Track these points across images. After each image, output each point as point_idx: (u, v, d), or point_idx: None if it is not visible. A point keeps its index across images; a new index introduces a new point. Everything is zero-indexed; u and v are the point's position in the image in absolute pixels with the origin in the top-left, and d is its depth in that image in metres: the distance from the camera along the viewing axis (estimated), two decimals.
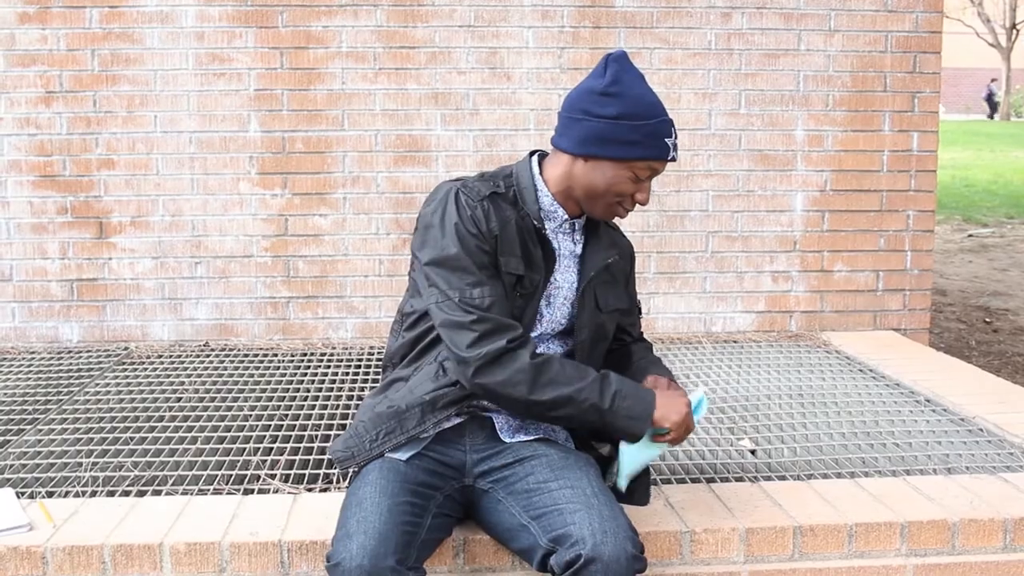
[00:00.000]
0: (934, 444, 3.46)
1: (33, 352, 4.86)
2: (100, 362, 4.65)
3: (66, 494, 3.02)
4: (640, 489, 2.62)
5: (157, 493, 3.03)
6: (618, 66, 2.43)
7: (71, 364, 4.62)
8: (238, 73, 4.91)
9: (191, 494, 2.97)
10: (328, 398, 4.07)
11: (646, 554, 2.54)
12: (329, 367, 4.55)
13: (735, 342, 5.03)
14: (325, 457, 3.33)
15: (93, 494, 3.03)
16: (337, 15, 4.92)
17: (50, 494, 3.01)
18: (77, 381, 4.32)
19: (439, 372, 2.42)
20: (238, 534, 2.57)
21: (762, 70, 5.08)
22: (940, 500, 2.79)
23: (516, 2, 4.96)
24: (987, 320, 7.29)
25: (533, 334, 2.51)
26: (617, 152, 2.35)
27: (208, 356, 4.76)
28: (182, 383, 4.28)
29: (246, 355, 4.78)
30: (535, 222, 2.46)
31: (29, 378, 4.38)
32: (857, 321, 5.23)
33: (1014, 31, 39.18)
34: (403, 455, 2.40)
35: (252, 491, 3.03)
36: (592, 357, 2.58)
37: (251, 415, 3.84)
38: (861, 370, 4.46)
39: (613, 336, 2.69)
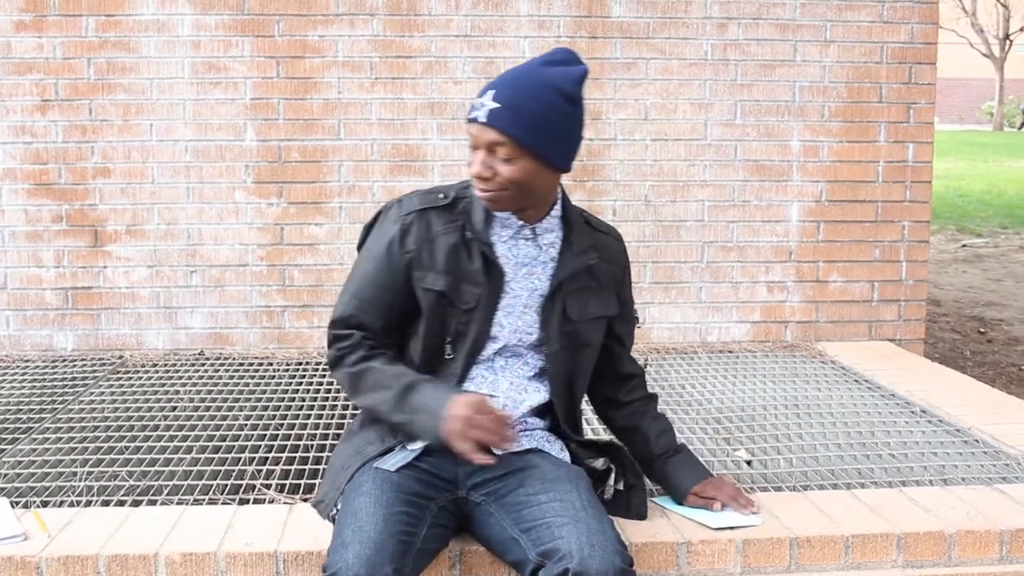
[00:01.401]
0: (930, 455, 3.46)
1: (27, 360, 4.85)
2: (95, 371, 4.64)
3: (61, 503, 3.01)
4: (637, 501, 2.62)
5: (152, 503, 3.02)
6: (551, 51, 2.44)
7: (66, 372, 4.61)
8: (234, 82, 4.91)
9: (186, 504, 2.96)
10: (323, 407, 4.06)
11: (644, 566, 2.56)
12: (324, 376, 4.54)
13: (730, 352, 5.04)
14: (321, 467, 3.32)
15: (88, 503, 3.02)
16: (334, 25, 4.92)
17: (45, 503, 2.99)
18: (72, 390, 4.31)
19: None
20: (234, 544, 2.56)
21: (758, 81, 5.09)
22: (936, 511, 2.79)
23: (512, 12, 4.97)
24: (981, 330, 7.30)
25: (495, 346, 2.48)
26: None
27: (203, 365, 4.75)
28: (177, 392, 4.27)
29: (241, 364, 4.77)
30: (469, 233, 2.44)
31: (23, 386, 4.37)
32: (852, 331, 5.23)
33: (1007, 41, 39.32)
34: (392, 466, 2.39)
35: (247, 501, 3.02)
36: (572, 367, 2.56)
37: (246, 424, 3.83)
38: (856, 380, 4.46)
39: (606, 347, 2.68)
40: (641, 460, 2.74)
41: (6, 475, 3.26)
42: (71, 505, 2.99)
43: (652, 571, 2.59)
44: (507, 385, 2.52)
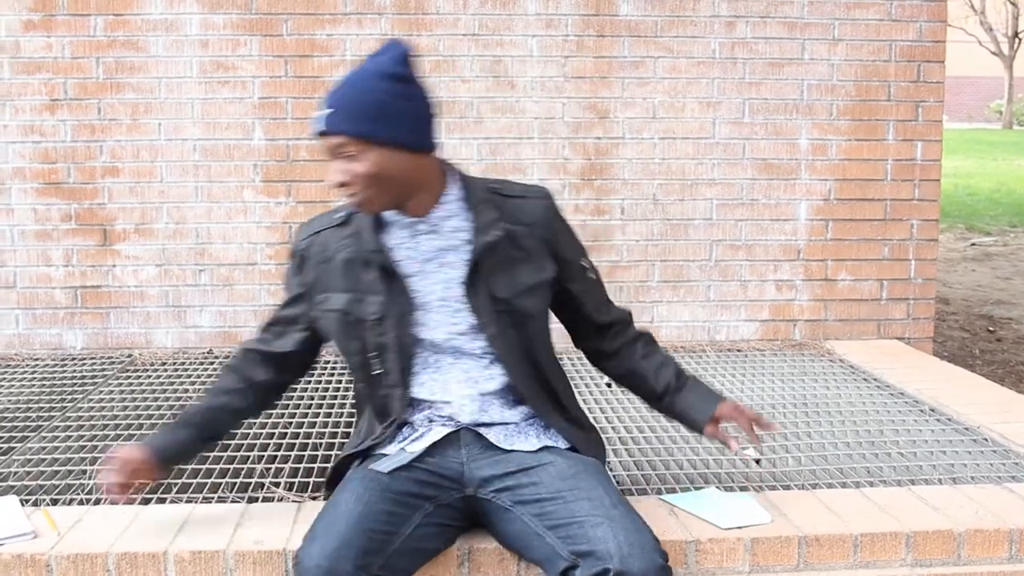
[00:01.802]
0: (939, 454, 3.46)
1: (37, 359, 4.87)
2: (104, 369, 4.65)
3: (70, 501, 3.02)
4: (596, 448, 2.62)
5: (161, 501, 3.03)
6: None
7: (75, 371, 4.62)
8: (242, 81, 4.92)
9: (195, 502, 2.97)
10: (332, 406, 4.07)
11: None
12: (332, 375, 4.55)
13: (739, 351, 5.03)
14: (329, 465, 3.32)
15: (97, 502, 3.02)
16: (342, 23, 4.92)
17: (54, 501, 3.01)
18: (81, 388, 4.32)
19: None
20: (243, 542, 2.56)
21: (766, 79, 5.08)
22: (945, 510, 2.79)
23: (520, 11, 4.97)
24: (991, 329, 7.28)
25: (430, 347, 2.45)
26: None
27: (212, 363, 4.76)
28: (186, 390, 4.28)
29: None
30: (356, 241, 2.43)
31: (33, 385, 4.39)
32: (861, 330, 5.22)
33: (1016, 40, 39.21)
34: (386, 468, 2.39)
35: (256, 499, 3.03)
36: (523, 343, 2.48)
37: (254, 423, 3.84)
38: (865, 379, 4.46)
39: (570, 307, 2.62)
40: (653, 403, 2.72)
41: (16, 473, 3.27)
42: (81, 503, 3.00)
43: None
44: (459, 383, 2.47)
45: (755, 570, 2.62)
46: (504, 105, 5.01)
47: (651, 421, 3.85)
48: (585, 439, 2.57)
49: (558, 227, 2.55)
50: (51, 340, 5.00)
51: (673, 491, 3.03)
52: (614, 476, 3.25)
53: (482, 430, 2.46)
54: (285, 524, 2.68)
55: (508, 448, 2.44)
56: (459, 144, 5.00)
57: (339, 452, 3.36)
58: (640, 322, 4.99)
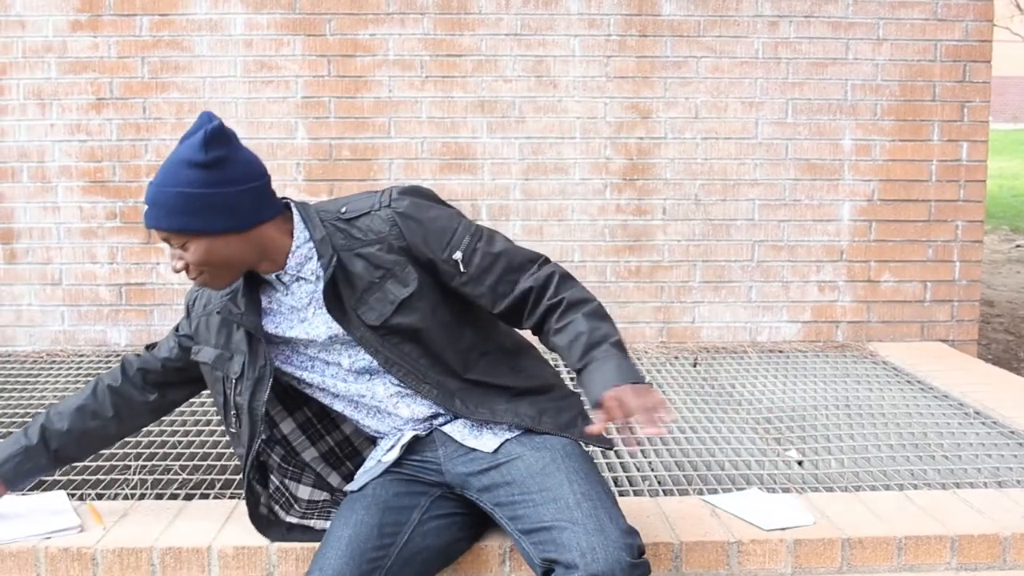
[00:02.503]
0: (984, 457, 3.42)
1: (82, 355, 4.92)
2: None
3: (115, 496, 3.06)
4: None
5: (205, 496, 3.06)
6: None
7: None
8: (286, 81, 4.95)
9: (239, 498, 2.99)
10: None
11: (694, 565, 2.56)
12: None
13: (781, 352, 5.00)
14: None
15: (142, 496, 3.06)
16: (384, 23, 4.94)
17: (100, 496, 3.04)
18: None
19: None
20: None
21: (809, 79, 5.05)
22: (991, 514, 2.76)
23: (563, 11, 4.97)
24: None
25: (326, 399, 2.47)
26: None
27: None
28: None
29: None
30: (230, 303, 2.42)
31: (78, 381, 4.43)
32: (904, 332, 5.18)
33: None
34: (355, 486, 2.41)
35: None
36: (426, 355, 2.37)
37: None
38: (909, 381, 4.42)
39: (468, 304, 2.43)
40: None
41: (61, 468, 3.30)
42: (125, 498, 3.03)
43: (703, 570, 2.58)
44: (380, 412, 2.46)
45: (798, 572, 2.60)
46: (546, 105, 5.01)
47: (692, 421, 3.84)
48: (537, 413, 2.41)
49: (411, 228, 2.35)
50: (96, 336, 5.06)
51: (715, 492, 3.03)
52: (655, 476, 3.25)
53: (446, 428, 2.43)
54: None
55: (473, 444, 2.39)
56: (501, 143, 5.00)
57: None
58: (681, 323, 5.02)
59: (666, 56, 5.01)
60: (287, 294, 2.39)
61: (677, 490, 3.14)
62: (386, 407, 2.42)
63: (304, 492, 2.55)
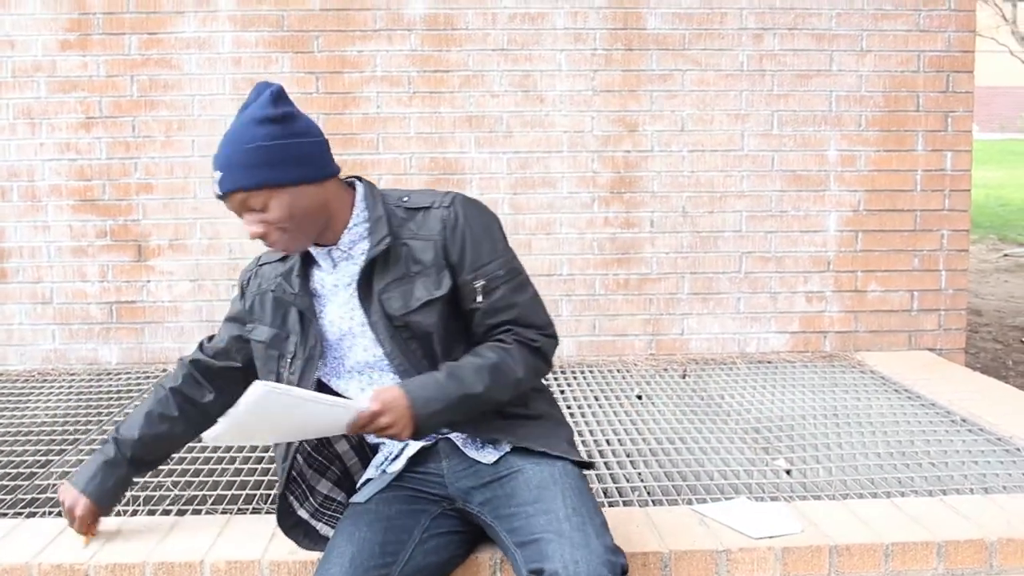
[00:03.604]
0: (970, 464, 3.45)
1: (73, 374, 4.93)
2: (139, 383, 4.71)
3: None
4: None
5: (197, 512, 3.07)
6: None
7: (110, 385, 4.67)
8: None
9: (231, 513, 3.01)
10: None
11: (683, 574, 2.57)
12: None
13: (769, 362, 5.03)
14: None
15: (134, 513, 3.07)
16: (372, 40, 4.97)
17: None
18: (117, 402, 4.37)
19: None
20: (278, 552, 2.59)
21: (794, 91, 5.09)
22: (977, 520, 2.78)
23: (549, 25, 5.00)
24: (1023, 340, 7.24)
25: (339, 381, 2.46)
26: None
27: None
28: None
29: None
30: (284, 282, 2.46)
31: (70, 399, 4.44)
32: (892, 341, 5.21)
33: None
34: (362, 498, 2.41)
35: None
36: (425, 358, 2.39)
37: None
38: (896, 390, 4.45)
39: (468, 326, 2.46)
40: None
41: (53, 485, 3.31)
42: (118, 514, 3.03)
43: None
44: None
45: None
46: (533, 119, 5.05)
47: (681, 432, 3.86)
48: (531, 435, 2.43)
49: (456, 239, 2.39)
50: (87, 355, 5.06)
51: (704, 501, 3.05)
52: (644, 487, 3.27)
53: (451, 435, 2.45)
54: None
55: (475, 456, 2.42)
56: (489, 158, 5.03)
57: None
58: (670, 335, 5.04)
59: (652, 69, 5.04)
60: (332, 271, 2.43)
61: (666, 500, 3.16)
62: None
63: (324, 487, 2.54)
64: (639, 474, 3.41)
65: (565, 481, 2.31)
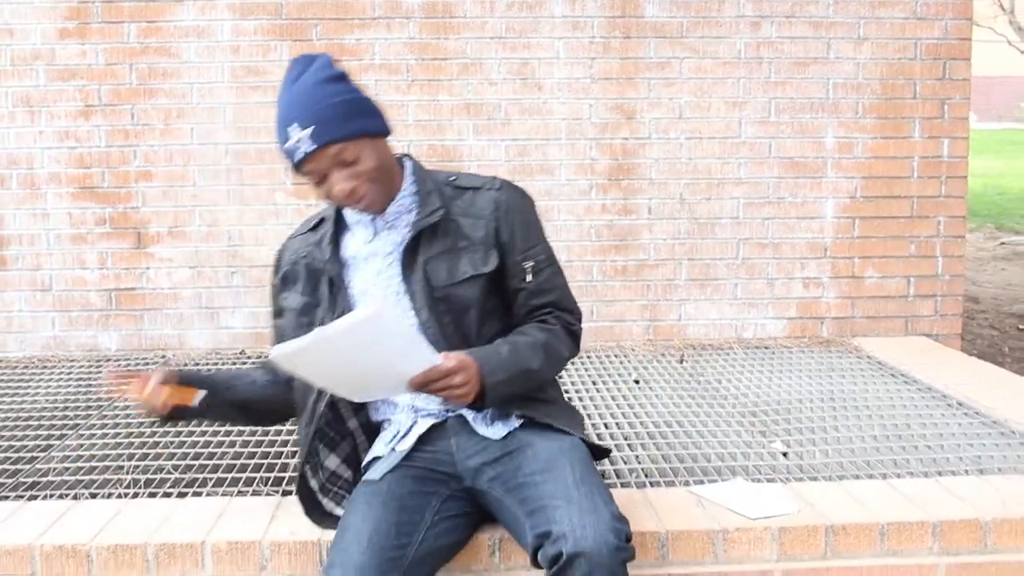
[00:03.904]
0: (966, 446, 3.47)
1: (73, 360, 4.95)
2: (138, 370, 4.70)
3: (109, 495, 3.09)
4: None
5: (198, 495, 3.09)
6: (285, 73, 2.41)
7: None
8: (273, 86, 4.97)
9: (231, 495, 3.02)
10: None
11: (680, 554, 2.60)
12: None
13: (766, 348, 5.05)
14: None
15: (135, 496, 3.09)
16: (370, 28, 4.98)
17: (93, 496, 3.07)
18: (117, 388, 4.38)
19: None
20: (278, 533, 2.61)
21: (791, 78, 5.10)
22: (972, 500, 2.80)
23: (547, 13, 5.01)
24: (1020, 327, 7.26)
25: None
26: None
27: (244, 363, 4.82)
28: None
29: None
30: (315, 249, 2.50)
31: (69, 385, 4.46)
32: (888, 327, 5.23)
33: None
34: (376, 475, 2.41)
35: (290, 492, 3.07)
36: (459, 331, 2.44)
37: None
38: (893, 375, 4.47)
39: (511, 303, 2.53)
40: None
41: (55, 468, 3.34)
42: (119, 497, 3.06)
43: (689, 559, 2.62)
44: None
45: (783, 559, 2.64)
46: (531, 107, 5.06)
47: (679, 416, 3.88)
48: (545, 413, 2.50)
49: (509, 221, 2.49)
50: (86, 342, 5.08)
51: (701, 483, 3.07)
52: (642, 469, 3.29)
53: (461, 412, 2.47)
54: None
55: (485, 432, 2.45)
56: (487, 146, 5.05)
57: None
58: (667, 320, 5.06)
59: (649, 57, 5.06)
60: (370, 240, 2.47)
61: (664, 482, 3.18)
62: None
63: (332, 462, 2.56)
64: (636, 456, 3.43)
65: (573, 454, 2.35)
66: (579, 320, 2.59)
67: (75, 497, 3.02)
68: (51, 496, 3.09)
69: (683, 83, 5.08)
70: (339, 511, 2.52)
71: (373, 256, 2.47)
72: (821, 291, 5.20)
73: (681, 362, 4.77)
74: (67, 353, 5.06)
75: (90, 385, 4.45)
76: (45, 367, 4.84)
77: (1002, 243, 11.46)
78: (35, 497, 3.07)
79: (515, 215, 2.50)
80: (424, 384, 2.21)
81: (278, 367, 2.37)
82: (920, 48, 5.11)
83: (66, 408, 4.09)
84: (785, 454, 3.44)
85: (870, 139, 5.14)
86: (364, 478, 2.45)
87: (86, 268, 5.05)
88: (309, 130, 2.27)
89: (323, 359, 2.14)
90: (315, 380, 2.26)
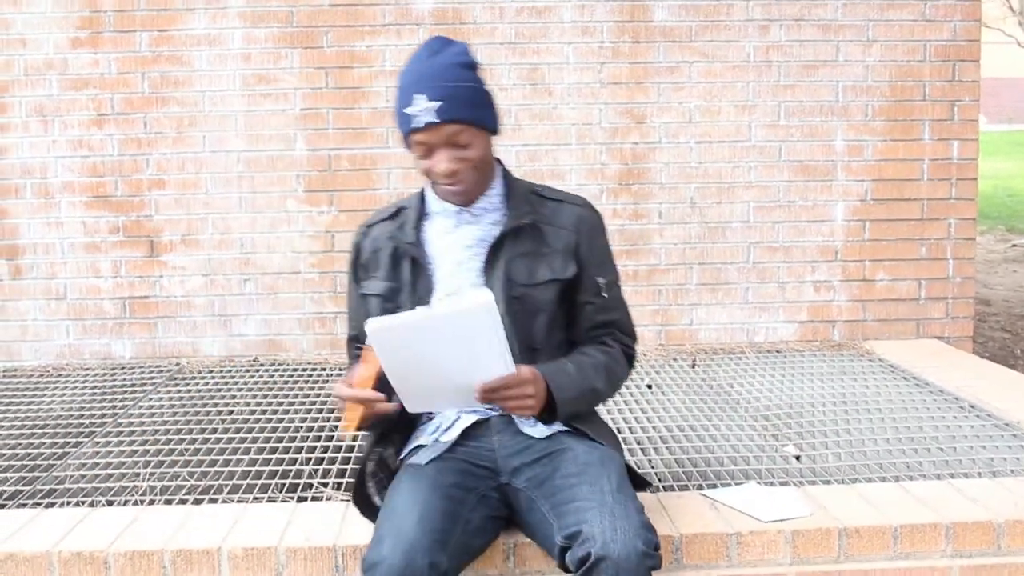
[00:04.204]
0: (978, 448, 3.47)
1: (87, 368, 4.97)
2: (152, 377, 4.75)
3: (125, 503, 3.10)
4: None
5: (213, 501, 3.10)
6: (420, 47, 2.46)
7: (124, 380, 4.72)
8: (284, 93, 5.01)
9: (246, 502, 3.04)
10: None
11: (694, 557, 2.61)
12: None
13: (778, 352, 5.06)
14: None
15: (151, 503, 3.11)
16: (381, 35, 5.01)
17: (110, 503, 3.09)
18: (131, 396, 4.41)
19: None
20: (294, 539, 2.63)
21: (801, 81, 5.11)
22: (985, 502, 2.81)
23: (556, 19, 5.03)
24: None
25: None
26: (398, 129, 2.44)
27: (258, 371, 4.84)
28: (233, 397, 4.37)
29: (295, 370, 4.86)
30: (398, 233, 2.54)
31: (84, 393, 4.49)
32: (900, 330, 5.23)
33: None
34: (423, 460, 2.43)
35: (305, 499, 3.10)
36: (526, 332, 2.48)
37: (301, 427, 3.91)
38: (904, 378, 4.47)
39: (577, 316, 2.57)
40: None
41: (71, 476, 3.36)
42: (136, 503, 3.08)
43: (703, 562, 2.63)
44: None
45: (796, 562, 2.65)
46: (542, 112, 5.08)
47: (691, 420, 3.89)
48: (587, 423, 2.54)
49: (590, 236, 2.58)
50: (100, 350, 5.11)
51: (714, 487, 3.08)
52: (655, 473, 3.30)
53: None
54: (334, 522, 2.74)
55: (530, 431, 2.48)
56: (498, 151, 5.04)
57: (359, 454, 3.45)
58: (679, 325, 5.07)
59: (659, 61, 5.07)
60: (452, 231, 2.52)
61: (677, 486, 3.18)
62: None
63: (382, 452, 2.57)
64: (650, 461, 3.44)
65: (611, 465, 2.39)
66: (635, 342, 2.66)
67: (92, 504, 3.04)
68: (68, 504, 3.11)
69: (692, 87, 5.10)
70: (377, 500, 2.53)
71: (454, 246, 2.52)
72: (832, 294, 5.21)
73: (693, 366, 4.78)
74: (81, 361, 5.08)
75: (104, 393, 4.48)
76: (60, 375, 4.86)
77: (1013, 245, 11.45)
78: (52, 505, 3.10)
79: (595, 233, 2.60)
80: (497, 391, 2.24)
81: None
82: (929, 50, 5.12)
83: (81, 416, 4.11)
84: (798, 457, 3.45)
85: (880, 142, 5.15)
86: (409, 462, 2.47)
87: (100, 276, 5.07)
88: (436, 104, 2.33)
89: (413, 344, 2.17)
90: (391, 368, 2.25)
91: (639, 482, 2.57)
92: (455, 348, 2.16)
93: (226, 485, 3.27)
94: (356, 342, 2.63)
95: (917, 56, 5.11)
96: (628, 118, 5.09)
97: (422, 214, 2.57)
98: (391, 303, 2.52)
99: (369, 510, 2.56)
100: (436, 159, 2.39)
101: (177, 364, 5.00)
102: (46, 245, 5.05)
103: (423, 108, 2.33)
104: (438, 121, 2.33)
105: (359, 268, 2.63)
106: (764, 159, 5.14)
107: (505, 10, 5.01)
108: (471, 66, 2.42)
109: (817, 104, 5.12)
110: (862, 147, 5.14)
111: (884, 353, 4.92)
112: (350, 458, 3.52)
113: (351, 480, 3.25)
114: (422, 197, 2.59)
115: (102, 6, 4.94)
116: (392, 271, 2.55)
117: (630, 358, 2.64)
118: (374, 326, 2.14)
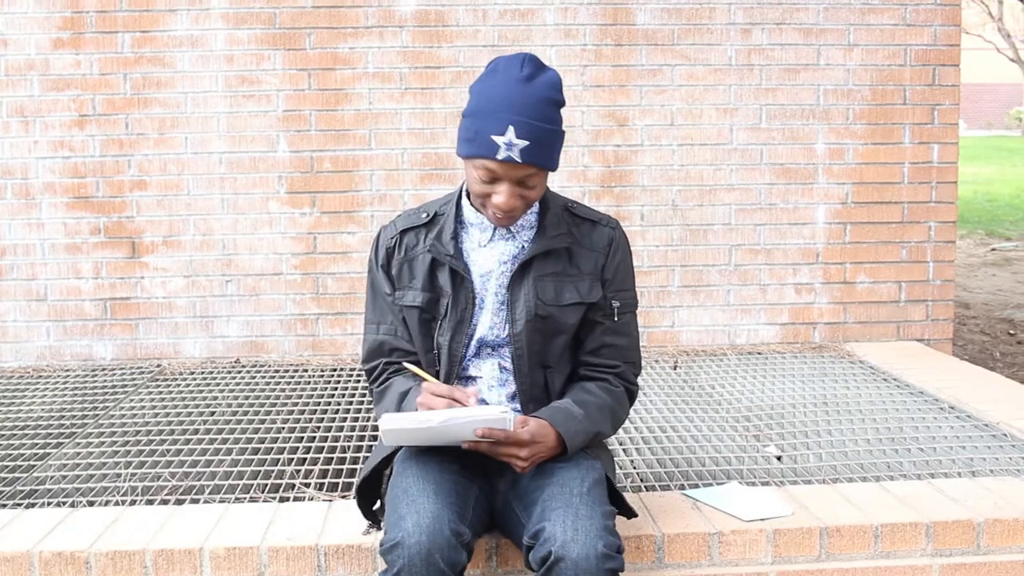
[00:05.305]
0: (958, 448, 3.50)
1: (68, 370, 4.95)
2: (134, 379, 4.73)
3: (106, 503, 3.10)
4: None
5: (195, 502, 3.10)
6: (496, 64, 2.39)
7: (105, 381, 4.70)
8: (267, 95, 5.01)
9: (228, 502, 3.04)
10: (359, 411, 4.14)
11: (676, 557, 2.62)
12: (359, 382, 4.62)
13: (759, 354, 5.08)
14: (359, 466, 3.39)
15: (133, 503, 3.10)
16: (363, 37, 5.01)
17: (91, 503, 3.08)
18: (112, 397, 4.40)
19: None
20: (276, 539, 2.63)
21: (782, 85, 5.13)
22: (964, 501, 2.83)
23: (539, 22, 5.04)
24: (1011, 332, 7.30)
25: (474, 341, 2.51)
26: (460, 150, 2.39)
27: (240, 372, 4.83)
28: (215, 398, 4.36)
29: (277, 371, 4.85)
30: (436, 243, 2.51)
31: (65, 394, 4.47)
32: (880, 332, 5.26)
33: None
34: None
35: (287, 499, 3.10)
36: (543, 351, 2.51)
37: (283, 428, 3.91)
38: (885, 379, 4.50)
39: (581, 337, 2.59)
40: None
41: (52, 477, 3.34)
42: (117, 504, 3.07)
43: (685, 561, 2.64)
44: (488, 375, 2.54)
45: (777, 561, 2.67)
46: None
47: (673, 421, 3.90)
48: (598, 453, 2.58)
49: (616, 259, 2.58)
50: (81, 351, 5.09)
51: (696, 487, 3.09)
52: (637, 473, 3.31)
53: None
54: (316, 522, 2.74)
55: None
56: None
57: (367, 454, 3.45)
58: (661, 327, 5.08)
59: (641, 64, 5.09)
60: (486, 244, 2.51)
61: (659, 486, 3.19)
62: (480, 388, 2.51)
63: None
64: (631, 461, 3.45)
65: (589, 472, 2.37)
66: (639, 372, 2.67)
67: (73, 505, 3.03)
68: (49, 504, 3.10)
69: (675, 90, 5.11)
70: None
71: (487, 259, 2.52)
72: (813, 296, 5.23)
73: (675, 368, 4.79)
74: (62, 363, 5.06)
75: (85, 394, 4.46)
76: (40, 377, 4.84)
77: (993, 249, 11.52)
78: (33, 505, 3.09)
79: (622, 256, 2.60)
80: (483, 443, 2.27)
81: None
82: (910, 54, 5.15)
83: (62, 417, 4.10)
84: (779, 458, 3.46)
85: (861, 145, 5.17)
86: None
87: (81, 278, 5.06)
88: (524, 143, 2.29)
89: (425, 432, 2.26)
90: (402, 435, 2.32)
91: (625, 509, 2.54)
92: (464, 431, 2.24)
93: (208, 485, 3.27)
94: (389, 350, 2.60)
95: (898, 60, 5.14)
96: (611, 120, 5.11)
97: (458, 223, 2.54)
98: (429, 314, 2.52)
99: (371, 512, 2.58)
100: (498, 191, 2.35)
101: (158, 365, 4.99)
102: (26, 246, 5.02)
103: (510, 142, 2.28)
104: (519, 161, 2.30)
105: (393, 275, 2.58)
106: (746, 162, 5.16)
107: (488, 13, 5.02)
108: (560, 104, 2.38)
109: (798, 107, 5.15)
110: (843, 150, 5.17)
111: (865, 355, 4.94)
112: (332, 459, 3.52)
113: (333, 480, 3.27)
114: (458, 204, 2.55)
115: (84, 7, 4.93)
116: (430, 281, 2.53)
117: (632, 396, 2.65)
118: (389, 426, 2.23)
